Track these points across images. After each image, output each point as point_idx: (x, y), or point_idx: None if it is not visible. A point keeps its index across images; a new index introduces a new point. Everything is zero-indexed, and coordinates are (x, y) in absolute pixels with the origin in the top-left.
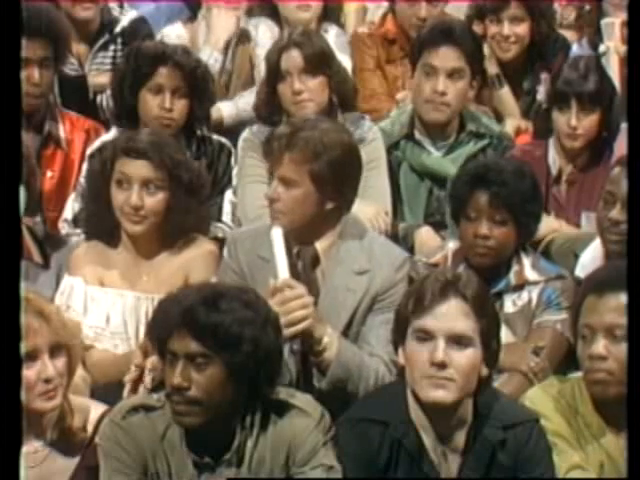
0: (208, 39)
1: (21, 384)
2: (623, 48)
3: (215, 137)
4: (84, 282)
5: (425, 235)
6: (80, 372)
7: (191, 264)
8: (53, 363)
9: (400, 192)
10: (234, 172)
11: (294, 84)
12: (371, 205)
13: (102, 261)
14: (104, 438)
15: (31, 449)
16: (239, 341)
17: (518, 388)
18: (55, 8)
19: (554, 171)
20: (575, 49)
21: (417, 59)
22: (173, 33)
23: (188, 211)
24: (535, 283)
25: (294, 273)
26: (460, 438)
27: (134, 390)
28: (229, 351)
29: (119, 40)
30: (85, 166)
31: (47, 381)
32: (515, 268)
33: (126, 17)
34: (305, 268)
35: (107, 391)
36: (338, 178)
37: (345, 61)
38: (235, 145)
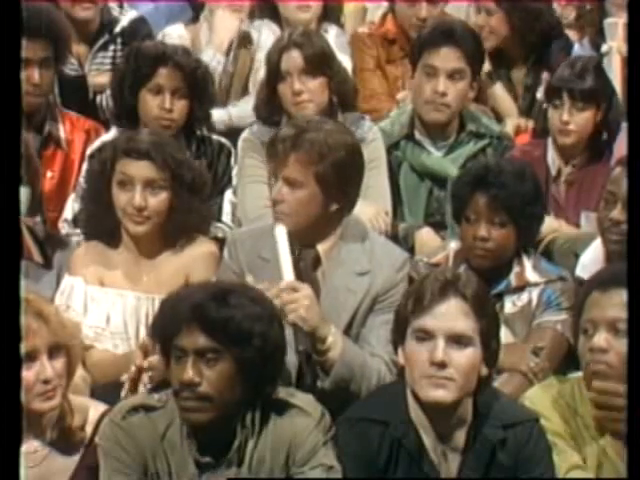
0: (211, 41)
1: (21, 384)
2: (626, 48)
3: (215, 137)
4: (84, 282)
5: (425, 236)
6: (80, 372)
7: (191, 264)
8: (52, 364)
9: (400, 192)
10: (234, 172)
11: (294, 84)
12: (371, 205)
13: (102, 261)
14: (104, 438)
15: (31, 449)
16: (250, 336)
17: (518, 388)
18: (55, 8)
19: (553, 171)
20: (576, 49)
21: (417, 59)
22: (175, 33)
23: (190, 210)
24: (536, 284)
25: (296, 273)
26: (460, 437)
27: (132, 390)
28: (240, 346)
29: (119, 40)
30: (85, 166)
31: (46, 382)
32: (516, 269)
33: (126, 17)
34: (306, 269)
35: (107, 391)
36: (342, 179)
37: (345, 61)
38: (235, 145)
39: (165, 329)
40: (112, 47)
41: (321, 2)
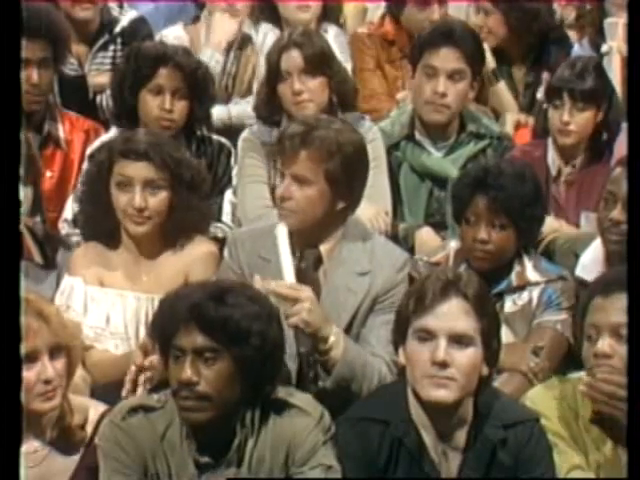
0: (209, 40)
1: (21, 384)
2: (626, 48)
3: (215, 137)
4: (84, 282)
5: (425, 236)
6: (80, 372)
7: (191, 264)
8: (52, 364)
9: (400, 193)
10: (234, 172)
11: (294, 84)
12: (371, 205)
13: (102, 261)
14: (104, 439)
15: (31, 449)
16: (248, 335)
17: (518, 388)
18: (54, 8)
19: (553, 171)
20: (576, 49)
21: (417, 60)
22: (171, 34)
23: (190, 208)
24: (536, 284)
25: (297, 273)
26: (461, 437)
27: (133, 390)
28: (238, 345)
29: (119, 40)
30: (84, 167)
31: (47, 382)
32: (517, 269)
33: (126, 17)
34: (308, 269)
35: (107, 391)
36: (350, 177)
37: (345, 61)
38: (235, 145)
39: (163, 329)
40: (112, 47)
41: (321, 2)
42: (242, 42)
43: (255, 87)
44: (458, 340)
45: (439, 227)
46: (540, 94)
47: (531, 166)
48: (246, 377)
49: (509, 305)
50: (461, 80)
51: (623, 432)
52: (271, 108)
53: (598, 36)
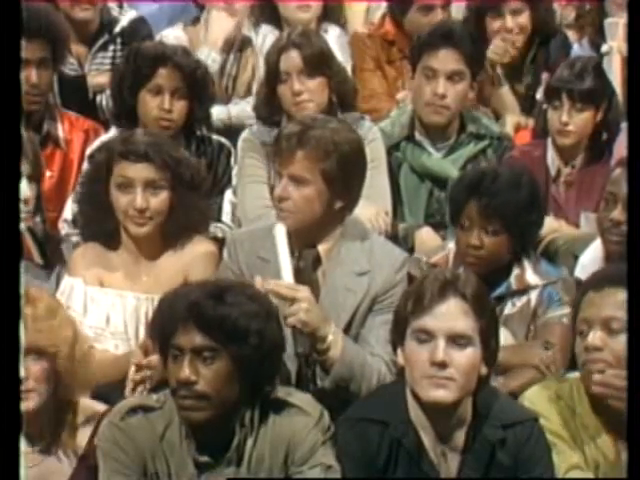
0: (205, 39)
1: (21, 384)
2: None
3: (215, 137)
4: (84, 283)
5: (425, 236)
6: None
7: (191, 264)
8: (28, 366)
9: (400, 193)
10: (234, 172)
11: (294, 85)
12: (371, 205)
13: (102, 262)
14: (103, 439)
15: (29, 449)
16: (246, 334)
17: (530, 380)
18: (54, 9)
19: (553, 171)
20: (576, 49)
21: (417, 61)
22: (171, 35)
23: (191, 208)
24: (536, 287)
25: (296, 272)
26: (460, 437)
27: (134, 390)
28: (236, 344)
29: (118, 40)
30: (84, 167)
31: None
32: (516, 272)
33: (125, 17)
34: (307, 269)
35: (107, 391)
36: (348, 176)
37: (345, 61)
38: (235, 145)
39: (162, 328)
40: (112, 47)
41: (321, 2)
42: (242, 44)
43: (255, 88)
44: (457, 340)
45: (439, 227)
46: (540, 95)
47: (529, 171)
48: (245, 376)
49: (508, 307)
50: (461, 81)
51: (622, 426)
52: (271, 109)
53: (598, 36)
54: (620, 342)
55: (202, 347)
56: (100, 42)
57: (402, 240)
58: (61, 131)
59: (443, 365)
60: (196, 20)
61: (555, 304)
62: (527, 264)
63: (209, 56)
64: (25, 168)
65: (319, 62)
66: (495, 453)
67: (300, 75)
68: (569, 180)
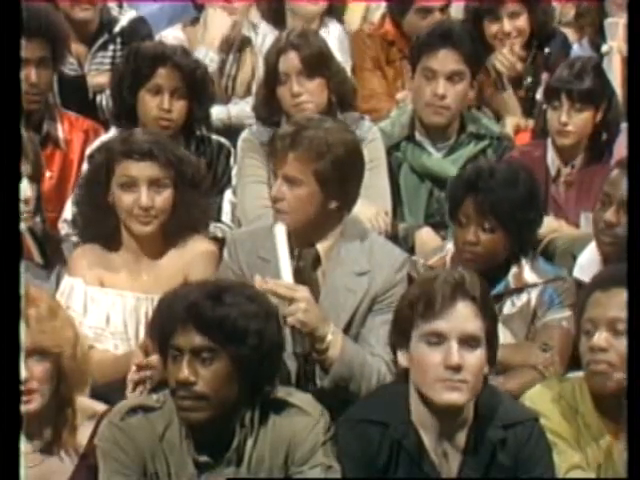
0: (203, 39)
1: (21, 384)
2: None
3: (214, 137)
4: (84, 282)
5: (425, 236)
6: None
7: (191, 264)
8: (31, 367)
9: (400, 193)
10: (233, 172)
11: (293, 87)
12: (371, 205)
13: (102, 262)
14: (103, 439)
15: (30, 449)
16: (245, 334)
17: (529, 381)
18: (53, 9)
19: (553, 171)
20: (576, 49)
21: (416, 61)
22: (170, 35)
23: (193, 205)
24: (534, 285)
25: (296, 272)
26: (461, 438)
27: (134, 390)
28: (235, 345)
29: (118, 40)
30: (84, 167)
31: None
32: (514, 270)
33: (125, 17)
34: (306, 268)
35: (107, 391)
36: (342, 177)
37: (346, 60)
38: (234, 145)
39: (162, 328)
40: (111, 47)
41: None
42: (241, 44)
43: (254, 88)
44: (468, 342)
45: (439, 227)
46: (539, 95)
47: (528, 170)
48: (244, 377)
49: (508, 306)
50: (460, 81)
51: (622, 421)
52: (270, 109)
53: (598, 36)
54: (625, 343)
55: (201, 348)
56: (100, 42)
57: (402, 240)
58: (61, 131)
59: (458, 368)
60: (195, 20)
61: (556, 307)
62: (525, 262)
63: (207, 55)
64: (26, 168)
65: (318, 63)
66: (496, 453)
67: (299, 76)
68: (569, 180)
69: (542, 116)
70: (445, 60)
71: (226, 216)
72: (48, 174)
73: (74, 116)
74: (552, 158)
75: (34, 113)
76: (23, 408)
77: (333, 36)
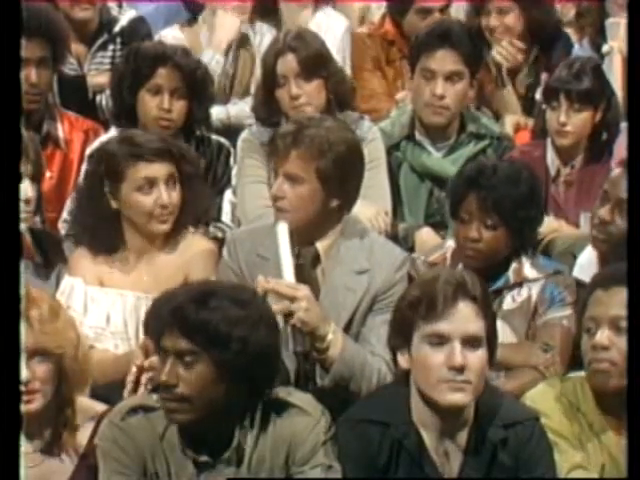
0: (210, 41)
1: (20, 384)
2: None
3: (214, 137)
4: (84, 282)
5: (425, 236)
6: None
7: (191, 264)
8: (33, 367)
9: (400, 193)
10: (233, 172)
11: (291, 89)
12: (371, 205)
13: (102, 261)
14: (103, 439)
15: (30, 449)
16: (228, 339)
17: (530, 381)
18: (53, 9)
19: (552, 171)
20: (576, 49)
21: (415, 62)
22: (169, 35)
23: (199, 198)
24: (534, 280)
25: (296, 271)
26: (462, 438)
27: (135, 390)
28: (217, 349)
29: (118, 40)
30: (83, 168)
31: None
32: (514, 266)
33: (125, 17)
34: (306, 267)
35: (107, 391)
36: (343, 175)
37: (347, 58)
38: (234, 145)
39: (153, 330)
40: (111, 47)
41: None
42: (240, 42)
43: (253, 88)
44: (471, 342)
45: (439, 227)
46: (539, 95)
47: (529, 168)
48: (233, 380)
49: (508, 302)
50: (459, 81)
51: (624, 420)
52: (269, 110)
53: (599, 36)
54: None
55: (184, 351)
56: (100, 42)
57: (402, 240)
58: (61, 131)
59: (461, 369)
60: (193, 20)
61: (557, 305)
62: (525, 259)
63: (213, 58)
64: (26, 168)
65: (315, 64)
66: (497, 453)
67: (297, 79)
68: (569, 180)
69: (541, 116)
70: (444, 60)
71: (226, 216)
72: (48, 174)
73: (74, 116)
74: (552, 158)
75: (34, 113)
76: (24, 408)
77: (341, 31)
